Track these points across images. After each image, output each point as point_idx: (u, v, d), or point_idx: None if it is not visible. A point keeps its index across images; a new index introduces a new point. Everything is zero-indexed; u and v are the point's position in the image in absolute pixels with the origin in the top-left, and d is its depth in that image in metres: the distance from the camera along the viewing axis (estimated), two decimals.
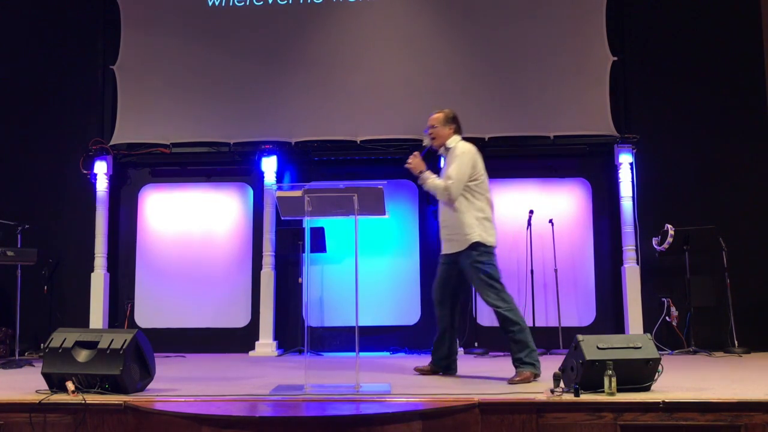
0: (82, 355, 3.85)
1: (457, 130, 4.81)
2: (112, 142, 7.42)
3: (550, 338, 6.82)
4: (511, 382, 4.28)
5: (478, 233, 4.54)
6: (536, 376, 4.35)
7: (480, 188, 4.64)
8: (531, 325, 6.76)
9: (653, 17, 7.33)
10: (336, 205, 4.09)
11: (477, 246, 4.53)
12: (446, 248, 4.72)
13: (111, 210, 7.37)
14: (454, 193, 4.57)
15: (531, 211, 6.99)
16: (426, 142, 4.82)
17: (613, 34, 7.19)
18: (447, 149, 4.78)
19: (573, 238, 7.17)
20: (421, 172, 4.73)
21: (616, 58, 7.12)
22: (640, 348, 3.76)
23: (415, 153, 4.75)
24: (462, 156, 4.64)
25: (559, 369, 3.86)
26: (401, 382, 4.39)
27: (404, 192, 7.35)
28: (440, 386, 4.13)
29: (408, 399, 3.65)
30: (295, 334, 7.02)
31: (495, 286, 4.52)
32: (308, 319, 4.59)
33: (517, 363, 4.41)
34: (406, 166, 4.75)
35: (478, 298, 7.02)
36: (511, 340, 4.44)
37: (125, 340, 3.85)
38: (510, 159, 7.30)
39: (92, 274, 7.16)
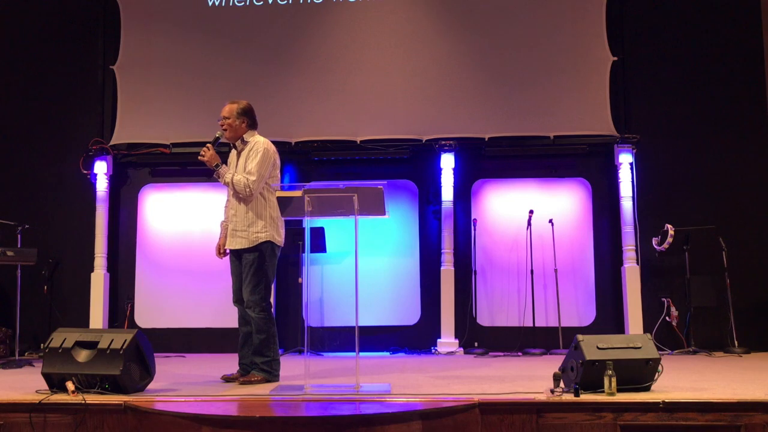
0: (82, 355, 3.85)
1: (251, 125, 4.66)
2: (112, 142, 7.42)
3: (550, 338, 6.83)
4: (241, 382, 4.39)
5: (270, 233, 4.53)
6: (268, 381, 4.43)
7: (275, 187, 4.57)
8: (531, 325, 6.80)
9: (653, 17, 7.33)
10: (336, 205, 4.08)
11: (267, 245, 4.52)
12: (231, 243, 4.57)
13: (111, 210, 7.37)
14: (256, 189, 4.47)
15: (531, 211, 6.99)
16: (218, 133, 4.62)
17: (613, 34, 7.19)
18: (244, 143, 4.63)
19: (573, 238, 7.17)
20: (217, 166, 4.51)
21: (616, 58, 7.12)
22: (640, 348, 3.76)
23: (208, 145, 4.56)
24: (265, 153, 4.55)
25: (559, 369, 3.85)
26: (401, 382, 4.39)
27: (404, 192, 7.35)
28: (440, 386, 4.13)
29: (408, 399, 3.66)
30: (295, 334, 7.02)
31: (265, 289, 4.49)
32: (308, 319, 4.58)
33: (254, 366, 4.47)
34: (200, 158, 4.52)
35: (479, 298, 7.04)
36: (257, 345, 4.47)
37: (125, 340, 3.85)
38: (510, 159, 7.30)
39: (92, 274, 7.16)
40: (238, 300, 4.62)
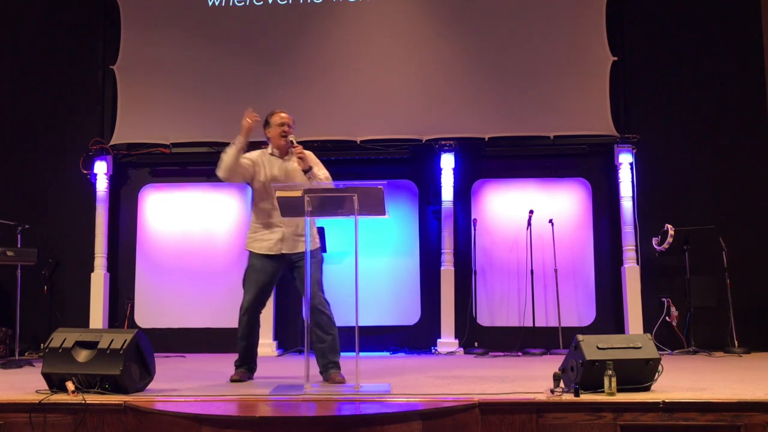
0: (82, 355, 3.85)
1: None
2: (112, 142, 7.42)
3: (550, 338, 6.83)
4: (334, 381, 4.28)
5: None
6: None
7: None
8: (531, 325, 6.80)
9: (653, 17, 7.34)
10: (336, 205, 4.08)
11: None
12: (298, 247, 4.53)
13: (111, 210, 7.37)
14: None
15: (531, 211, 6.99)
16: (292, 137, 4.60)
17: (613, 34, 7.19)
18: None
19: (573, 238, 7.17)
20: (311, 167, 4.50)
21: (616, 58, 7.12)
22: (640, 348, 3.75)
23: (299, 145, 4.51)
24: (315, 157, 4.65)
25: (559, 369, 3.85)
26: (401, 382, 4.38)
27: (404, 192, 7.35)
28: (440, 386, 4.13)
29: (408, 399, 3.65)
30: (295, 334, 7.02)
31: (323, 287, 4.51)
32: (308, 319, 4.57)
33: (334, 366, 4.38)
34: (300, 156, 4.46)
35: (478, 298, 7.04)
36: (330, 343, 4.38)
37: (125, 340, 3.84)
38: (510, 159, 7.30)
39: (92, 274, 7.17)
40: (259, 307, 4.56)
